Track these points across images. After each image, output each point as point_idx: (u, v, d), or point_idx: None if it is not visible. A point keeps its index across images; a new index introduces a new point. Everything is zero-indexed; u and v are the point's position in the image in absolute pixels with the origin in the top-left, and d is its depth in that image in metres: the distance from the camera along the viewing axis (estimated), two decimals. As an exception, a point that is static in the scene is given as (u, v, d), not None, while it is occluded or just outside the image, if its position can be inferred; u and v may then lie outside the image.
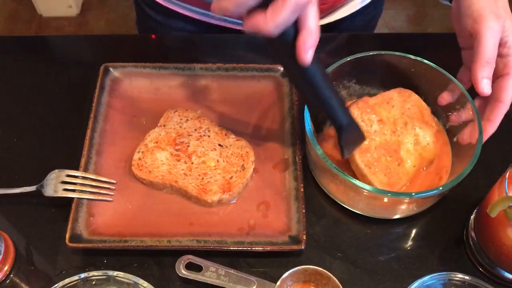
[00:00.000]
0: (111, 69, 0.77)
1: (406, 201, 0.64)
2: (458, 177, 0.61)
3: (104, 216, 0.65)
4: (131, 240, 0.63)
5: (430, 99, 0.73)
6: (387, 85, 0.74)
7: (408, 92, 0.73)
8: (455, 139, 0.71)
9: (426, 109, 0.73)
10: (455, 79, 0.68)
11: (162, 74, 0.77)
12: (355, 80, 0.75)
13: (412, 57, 0.71)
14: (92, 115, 0.72)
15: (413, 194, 0.61)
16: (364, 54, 0.70)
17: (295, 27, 0.51)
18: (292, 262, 0.63)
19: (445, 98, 0.71)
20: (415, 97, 0.72)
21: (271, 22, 0.48)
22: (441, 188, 0.60)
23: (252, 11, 0.50)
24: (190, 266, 0.62)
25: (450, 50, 0.71)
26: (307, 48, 0.52)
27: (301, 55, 0.52)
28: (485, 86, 0.61)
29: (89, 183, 0.67)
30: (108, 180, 0.68)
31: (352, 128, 0.62)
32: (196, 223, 0.65)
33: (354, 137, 0.63)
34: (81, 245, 0.63)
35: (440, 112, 0.74)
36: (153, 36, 0.90)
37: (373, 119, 0.69)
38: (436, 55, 0.73)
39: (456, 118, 0.71)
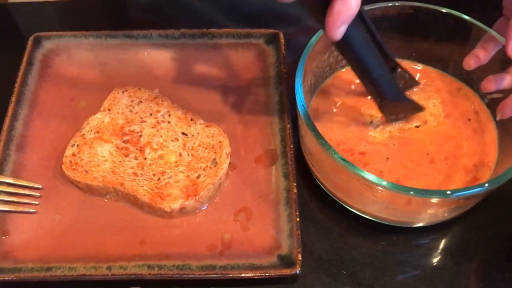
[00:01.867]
0: (43, 40, 0.67)
1: (437, 202, 0.52)
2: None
3: (23, 233, 0.54)
4: (56, 267, 0.51)
5: (461, 66, 0.60)
6: (403, 52, 0.65)
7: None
8: (497, 117, 0.59)
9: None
10: (491, 30, 0.57)
11: (110, 45, 0.67)
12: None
13: (432, 7, 0.60)
14: (13, 99, 0.61)
15: (449, 192, 0.49)
16: (371, 6, 0.59)
17: None
18: None
19: (476, 56, 0.57)
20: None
21: None
22: (487, 185, 0.49)
23: None
24: (138, 303, 0.50)
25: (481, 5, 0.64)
26: (339, 22, 0.44)
27: (330, 30, 0.44)
28: None
29: (4, 189, 0.56)
30: (31, 185, 0.57)
31: (398, 103, 0.57)
32: (149, 241, 0.54)
33: (401, 108, 0.58)
34: (-17, 276, 0.50)
35: (477, 82, 0.61)
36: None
37: None
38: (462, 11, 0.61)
39: (493, 83, 0.57)
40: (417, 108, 0.58)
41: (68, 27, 0.68)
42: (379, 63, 0.53)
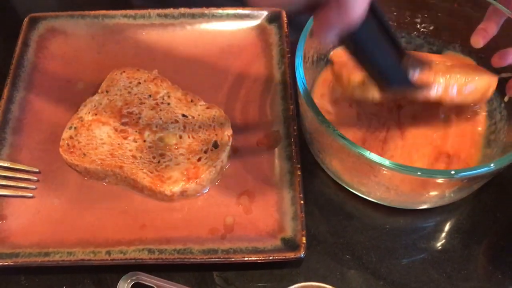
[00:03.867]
0: (38, 20, 0.65)
1: (442, 182, 0.50)
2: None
3: (21, 218, 0.53)
4: (54, 252, 0.50)
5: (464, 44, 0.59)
6: (403, 27, 0.62)
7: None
8: (506, 98, 0.57)
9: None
10: (496, 2, 0.55)
11: (107, 25, 0.66)
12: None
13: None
14: (8, 81, 0.60)
15: (453, 172, 0.47)
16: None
17: None
18: (287, 276, 0.52)
19: (484, 30, 0.55)
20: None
21: None
22: (492, 165, 0.47)
23: None
24: (139, 288, 0.48)
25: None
26: (325, 27, 0.37)
27: (316, 31, 0.38)
28: None
29: (0, 174, 0.54)
30: (29, 169, 0.56)
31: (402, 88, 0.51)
32: (150, 225, 0.53)
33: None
34: (-20, 261, 0.49)
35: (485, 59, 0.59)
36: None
37: None
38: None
39: (500, 58, 0.55)
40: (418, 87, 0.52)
41: (65, 7, 0.67)
42: (386, 55, 0.47)
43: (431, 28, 0.61)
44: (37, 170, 0.55)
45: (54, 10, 0.66)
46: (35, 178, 0.55)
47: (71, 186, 0.55)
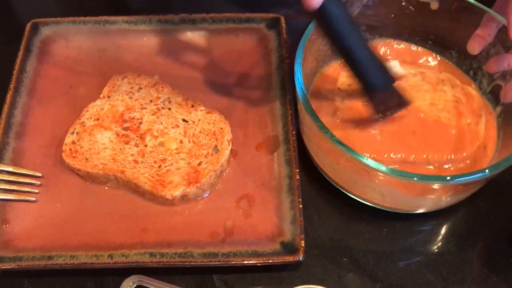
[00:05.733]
0: (40, 26, 0.65)
1: (438, 188, 0.51)
2: (514, 153, 0.48)
3: (24, 222, 0.54)
4: (58, 256, 0.50)
5: (461, 50, 0.59)
6: (401, 33, 0.64)
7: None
8: (499, 107, 0.58)
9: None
10: (491, 10, 0.56)
11: (109, 31, 0.66)
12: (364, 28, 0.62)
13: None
14: (11, 86, 0.61)
15: (448, 178, 0.47)
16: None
17: None
18: (286, 279, 0.52)
19: (480, 37, 0.56)
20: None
21: None
22: (487, 171, 0.48)
23: None
24: (140, 291, 0.49)
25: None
26: None
27: None
28: None
29: (3, 178, 0.55)
30: (31, 173, 0.56)
31: (388, 92, 0.54)
32: (151, 228, 0.53)
33: (391, 101, 0.55)
34: (-16, 265, 0.49)
35: (477, 69, 0.60)
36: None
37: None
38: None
39: (495, 64, 0.56)
40: (404, 102, 0.54)
41: (66, 13, 0.67)
42: (363, 45, 0.50)
43: (431, 36, 0.61)
44: (40, 175, 0.55)
45: (55, 16, 0.66)
46: (38, 183, 0.55)
47: (73, 190, 0.55)
